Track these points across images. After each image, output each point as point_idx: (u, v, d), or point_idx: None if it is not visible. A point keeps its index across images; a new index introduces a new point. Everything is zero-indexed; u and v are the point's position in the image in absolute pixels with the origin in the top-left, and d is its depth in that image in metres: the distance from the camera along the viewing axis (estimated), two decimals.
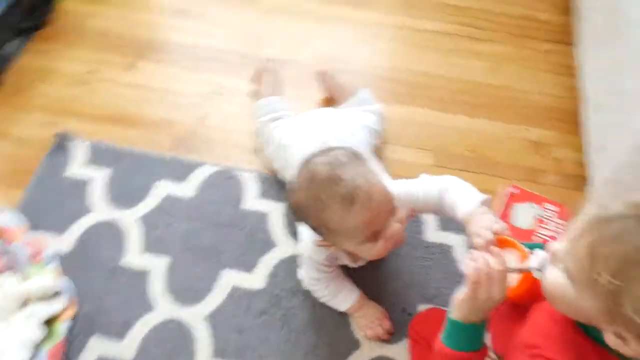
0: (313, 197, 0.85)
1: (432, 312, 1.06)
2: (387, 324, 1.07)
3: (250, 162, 1.30)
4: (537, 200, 1.26)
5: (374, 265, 1.12)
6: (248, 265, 1.15)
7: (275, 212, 1.22)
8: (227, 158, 1.31)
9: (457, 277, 1.15)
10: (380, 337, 1.07)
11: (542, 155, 1.38)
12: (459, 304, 0.73)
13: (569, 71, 1.51)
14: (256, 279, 1.13)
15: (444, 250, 1.19)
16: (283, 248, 1.17)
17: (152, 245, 1.16)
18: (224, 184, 1.26)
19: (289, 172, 1.13)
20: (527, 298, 0.80)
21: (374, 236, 0.87)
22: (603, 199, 0.63)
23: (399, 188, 0.93)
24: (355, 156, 0.89)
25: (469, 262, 0.76)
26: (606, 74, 1.27)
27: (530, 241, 1.18)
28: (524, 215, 1.23)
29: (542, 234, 1.21)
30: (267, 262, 1.15)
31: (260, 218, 1.21)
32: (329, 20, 1.61)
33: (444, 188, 0.94)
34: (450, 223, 1.21)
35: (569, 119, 1.43)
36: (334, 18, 1.62)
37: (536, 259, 0.75)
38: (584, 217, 0.65)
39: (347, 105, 1.30)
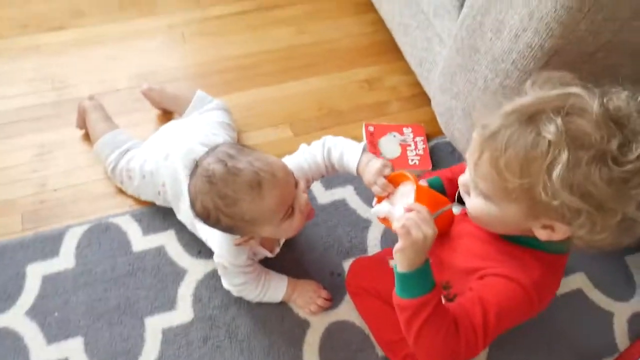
0: (219, 196, 0.84)
1: (359, 262, 1.11)
2: (323, 293, 1.10)
3: (118, 205, 1.21)
4: (394, 129, 1.37)
5: (289, 248, 1.14)
6: (168, 303, 1.09)
7: (169, 240, 1.16)
8: (92, 212, 1.20)
9: (361, 223, 1.22)
10: (323, 307, 1.09)
11: (378, 89, 1.49)
12: (400, 256, 0.76)
13: (368, 7, 1.64)
14: (183, 312, 1.08)
15: (340, 206, 1.24)
16: (194, 270, 1.13)
17: (55, 332, 1.03)
18: (102, 237, 1.15)
19: (174, 190, 1.08)
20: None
21: (289, 211, 0.89)
22: (481, 121, 0.73)
23: (288, 163, 0.95)
24: (239, 146, 0.89)
25: (378, 209, 0.86)
26: None
27: (406, 167, 1.29)
28: (390, 146, 1.34)
29: (411, 155, 1.32)
30: (185, 291, 1.10)
31: (158, 252, 1.15)
32: (125, 38, 1.54)
33: (326, 150, 0.99)
34: (332, 180, 1.27)
35: (387, 49, 1.56)
36: (128, 35, 1.55)
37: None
38: (474, 144, 0.74)
39: (189, 111, 1.27)
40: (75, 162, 1.28)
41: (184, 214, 1.10)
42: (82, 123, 1.30)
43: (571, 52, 0.88)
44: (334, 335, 1.07)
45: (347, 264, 1.15)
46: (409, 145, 1.34)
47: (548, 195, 0.66)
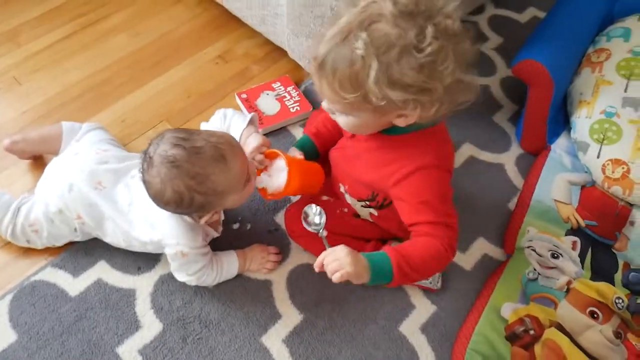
0: (189, 176, 0.88)
1: (290, 210, 1.17)
2: (272, 249, 1.16)
3: (33, 263, 1.13)
4: (264, 88, 1.43)
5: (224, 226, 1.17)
6: (132, 325, 1.06)
7: (103, 271, 1.13)
8: (8, 281, 1.11)
9: None
10: (276, 262, 1.15)
11: (233, 59, 1.54)
12: (357, 281, 0.87)
13: None
14: (150, 326, 1.06)
15: None
16: (142, 285, 1.11)
17: None
18: (33, 298, 1.08)
19: (92, 216, 1.07)
20: (304, 187, 1.02)
21: (247, 177, 0.96)
22: (312, 54, 0.83)
23: None
24: (181, 129, 0.93)
25: (258, 181, 1.02)
26: None
27: (291, 116, 1.37)
28: (268, 103, 1.40)
29: (290, 104, 1.40)
30: (143, 307, 1.09)
31: (98, 286, 1.11)
32: None
33: (225, 123, 1.07)
34: None
35: (224, 21, 1.61)
36: None
37: None
38: (312, 76, 0.85)
39: (65, 145, 1.21)
40: None
41: (112, 233, 1.08)
42: None
43: None
44: (298, 281, 1.14)
45: (279, 218, 1.21)
46: (285, 97, 1.41)
47: (378, 98, 0.78)
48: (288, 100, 1.40)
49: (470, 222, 1.23)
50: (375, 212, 1.07)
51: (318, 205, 1.00)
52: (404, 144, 0.92)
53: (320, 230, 0.97)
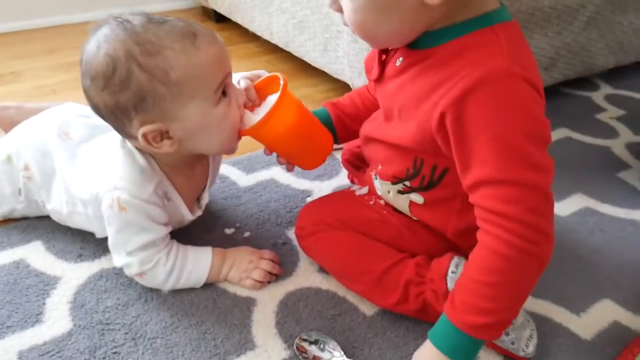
0: (136, 42, 0.60)
1: (310, 205, 0.80)
2: (266, 255, 0.77)
3: None
4: None
5: (213, 229, 0.84)
6: (29, 319, 0.69)
7: (33, 251, 0.80)
8: None
9: (300, 194, 0.95)
10: (270, 274, 0.75)
11: None
12: None
13: None
14: (53, 325, 0.68)
15: (268, 184, 0.97)
16: (73, 275, 0.76)
17: None
18: None
19: (42, 168, 0.79)
20: (292, 133, 0.70)
21: (224, 91, 0.65)
22: None
23: None
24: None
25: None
26: None
27: None
28: None
29: None
30: (58, 300, 0.72)
31: (15, 266, 0.77)
32: None
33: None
34: (252, 166, 1.01)
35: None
36: None
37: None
38: None
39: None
40: None
41: (57, 196, 0.78)
42: None
43: None
44: (297, 307, 0.72)
45: (292, 233, 0.84)
46: None
47: None
48: None
49: (592, 279, 0.78)
50: (419, 199, 0.68)
51: None
52: (459, 50, 0.57)
53: None
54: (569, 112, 1.26)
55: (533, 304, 0.73)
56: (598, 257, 0.82)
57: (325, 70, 1.27)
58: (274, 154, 0.75)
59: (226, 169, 0.99)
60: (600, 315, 0.72)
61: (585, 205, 0.93)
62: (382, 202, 0.75)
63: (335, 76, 1.25)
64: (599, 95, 1.36)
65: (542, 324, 0.70)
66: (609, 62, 1.32)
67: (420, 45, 0.61)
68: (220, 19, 1.81)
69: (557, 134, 1.15)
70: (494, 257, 0.55)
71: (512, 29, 0.59)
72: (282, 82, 0.69)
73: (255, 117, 0.68)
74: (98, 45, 0.61)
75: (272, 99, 0.69)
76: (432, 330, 0.61)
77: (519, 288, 0.57)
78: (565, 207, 0.93)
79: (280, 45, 1.42)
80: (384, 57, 0.67)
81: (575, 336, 0.69)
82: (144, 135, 0.63)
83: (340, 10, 0.61)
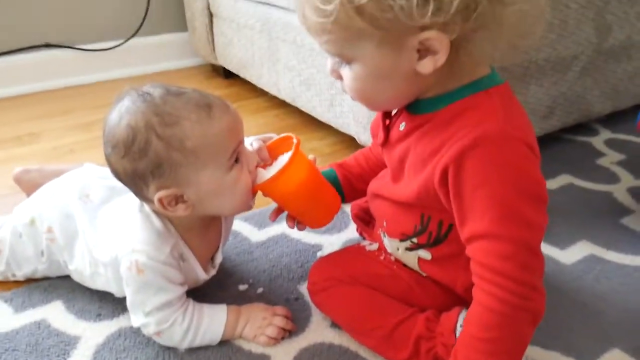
0: (155, 113, 0.65)
1: (321, 260, 0.83)
2: (279, 310, 0.79)
3: None
4: None
5: (225, 286, 0.87)
6: None
7: (54, 311, 0.83)
8: None
9: (311, 248, 0.98)
10: (284, 331, 0.77)
11: None
12: None
13: None
14: None
15: (280, 239, 1.00)
16: (92, 334, 0.78)
17: None
18: None
19: (65, 230, 0.83)
20: (302, 190, 0.74)
21: (236, 157, 0.70)
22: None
23: None
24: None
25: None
26: None
27: None
28: None
29: None
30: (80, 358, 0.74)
31: (37, 327, 0.80)
32: None
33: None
34: (264, 221, 1.04)
35: None
36: None
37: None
38: (308, 30, 0.63)
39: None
40: None
41: (81, 256, 0.82)
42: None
43: None
44: None
45: (303, 288, 0.86)
46: None
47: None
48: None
49: (599, 328, 0.79)
50: (427, 255, 0.71)
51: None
52: (457, 114, 0.61)
53: None
54: (570, 158, 1.29)
55: (542, 355, 0.74)
56: (604, 305, 0.83)
57: (332, 125, 1.32)
58: (284, 214, 0.79)
59: (238, 224, 1.02)
60: None
61: (591, 253, 0.95)
62: (392, 257, 0.77)
63: (341, 130, 1.29)
64: (599, 140, 1.39)
65: None
66: (606, 108, 1.37)
67: (421, 110, 0.65)
68: (228, 75, 1.88)
69: (560, 181, 1.18)
70: (488, 313, 0.58)
71: (504, 91, 0.63)
72: (294, 141, 0.74)
73: (267, 174, 0.72)
74: (120, 116, 0.66)
75: (283, 158, 0.74)
76: None
77: (515, 341, 0.59)
78: (570, 255, 0.94)
79: (288, 100, 1.48)
80: (387, 122, 0.71)
81: None
82: (160, 200, 0.67)
83: (340, 78, 0.65)
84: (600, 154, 1.32)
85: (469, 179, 0.58)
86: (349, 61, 0.61)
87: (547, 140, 1.33)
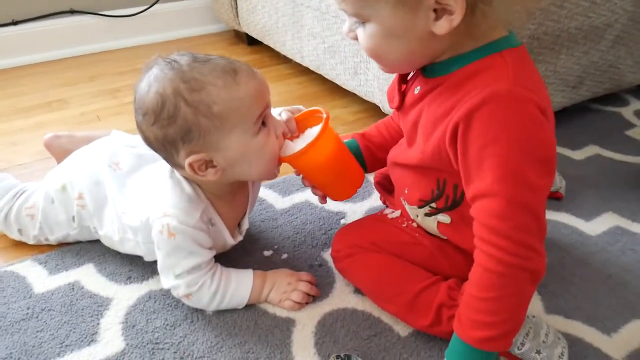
0: (183, 80, 0.66)
1: (344, 228, 0.84)
2: (304, 276, 0.81)
3: (15, 257, 0.91)
4: None
5: (250, 251, 0.89)
6: (86, 337, 0.74)
7: (86, 274, 0.86)
8: None
9: (334, 216, 0.99)
10: (308, 295, 0.79)
11: None
12: None
13: None
14: (108, 343, 0.73)
15: (303, 207, 1.01)
16: (123, 296, 0.81)
17: None
18: None
19: (95, 197, 0.85)
20: (330, 165, 0.76)
21: (263, 122, 0.71)
22: None
23: None
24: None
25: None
26: None
27: None
28: None
29: None
30: (112, 320, 0.77)
31: (70, 288, 0.83)
32: None
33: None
34: (288, 188, 1.06)
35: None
36: None
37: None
38: None
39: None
40: None
41: (110, 222, 0.84)
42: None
43: None
44: (334, 328, 0.75)
45: (327, 255, 0.88)
46: None
47: None
48: None
49: (623, 299, 0.80)
50: (446, 219, 0.72)
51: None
52: (469, 75, 0.61)
53: None
54: (598, 128, 1.27)
55: (564, 324, 0.75)
56: (629, 277, 0.83)
57: (356, 93, 1.31)
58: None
59: (263, 192, 1.04)
60: (632, 336, 0.73)
61: (616, 224, 0.95)
62: (414, 224, 0.78)
63: (365, 98, 1.29)
64: (629, 110, 1.36)
65: (573, 344, 0.71)
66: (638, 78, 1.33)
67: (435, 73, 0.65)
68: (252, 42, 1.87)
69: (587, 152, 1.17)
70: (487, 274, 0.59)
71: (518, 53, 0.62)
72: (324, 115, 0.74)
73: (294, 146, 0.73)
74: (149, 84, 0.67)
75: (311, 131, 0.75)
76: (447, 349, 0.65)
77: (515, 300, 0.60)
78: (595, 227, 0.94)
79: (312, 68, 1.47)
80: (403, 87, 0.71)
81: (606, 357, 0.70)
82: (190, 165, 0.68)
83: (355, 38, 0.66)
84: (630, 125, 1.29)
85: (475, 137, 0.58)
86: (365, 21, 0.62)
87: (575, 111, 1.31)
